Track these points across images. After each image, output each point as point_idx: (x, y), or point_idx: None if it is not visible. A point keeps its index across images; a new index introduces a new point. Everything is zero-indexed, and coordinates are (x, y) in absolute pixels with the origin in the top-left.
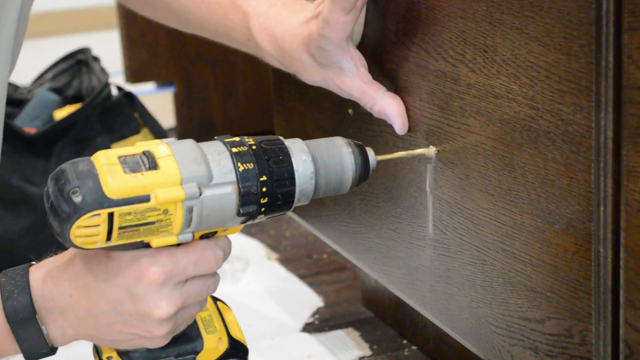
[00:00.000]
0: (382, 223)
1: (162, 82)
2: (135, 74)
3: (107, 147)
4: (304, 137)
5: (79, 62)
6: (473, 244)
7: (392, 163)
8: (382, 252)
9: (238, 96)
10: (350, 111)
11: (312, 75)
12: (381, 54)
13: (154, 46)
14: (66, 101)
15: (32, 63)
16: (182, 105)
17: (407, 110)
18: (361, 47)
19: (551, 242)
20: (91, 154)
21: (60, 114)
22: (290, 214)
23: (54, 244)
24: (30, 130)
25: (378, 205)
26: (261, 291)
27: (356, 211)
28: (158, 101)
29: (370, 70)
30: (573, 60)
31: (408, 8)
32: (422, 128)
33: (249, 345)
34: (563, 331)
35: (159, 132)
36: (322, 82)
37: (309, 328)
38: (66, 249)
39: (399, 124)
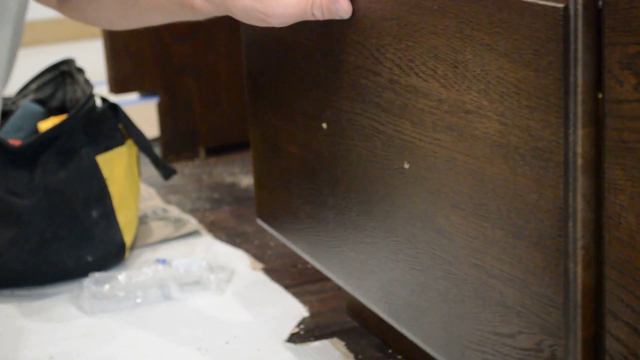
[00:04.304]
0: (356, 237)
1: (146, 92)
2: (119, 84)
3: (92, 158)
4: (277, 152)
5: (63, 73)
6: (445, 258)
7: (366, 177)
8: (356, 266)
9: (222, 106)
10: (324, 125)
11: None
12: (354, 69)
13: (137, 56)
14: (50, 112)
15: (15, 73)
16: (166, 115)
17: (381, 125)
18: (335, 63)
19: (521, 257)
20: (76, 166)
21: (45, 125)
22: (265, 226)
23: (39, 256)
24: (15, 142)
25: (352, 219)
26: (246, 301)
27: (331, 224)
28: (142, 111)
29: (343, 85)
30: (541, 76)
31: (381, 24)
32: (394, 143)
33: (233, 356)
34: (533, 346)
35: (143, 144)
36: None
37: (294, 338)
38: (43, 269)
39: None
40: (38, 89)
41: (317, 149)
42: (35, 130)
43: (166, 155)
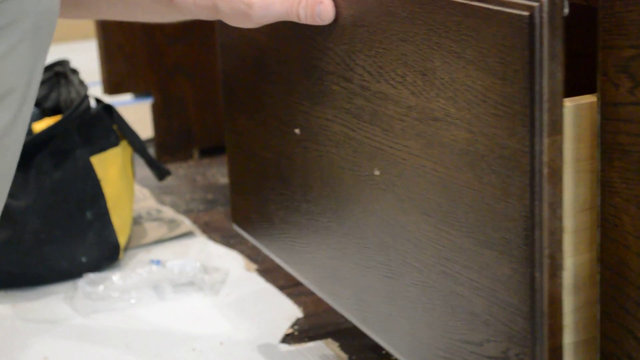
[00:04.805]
0: (328, 243)
1: (140, 93)
2: (113, 85)
3: (87, 159)
4: (252, 157)
5: (58, 74)
6: (415, 265)
7: (338, 183)
8: (328, 272)
9: (216, 107)
10: (297, 131)
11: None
12: (326, 75)
13: (131, 57)
14: (44, 113)
15: None
16: (160, 116)
17: (352, 131)
18: (307, 69)
19: (489, 265)
20: (71, 166)
21: (39, 126)
22: (240, 231)
23: (33, 257)
24: None
25: (324, 225)
26: (240, 302)
27: (304, 230)
28: (136, 112)
29: (315, 91)
30: (507, 84)
31: (352, 30)
32: (365, 149)
33: (227, 357)
34: (500, 354)
35: (137, 144)
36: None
37: (289, 339)
38: (37, 269)
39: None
40: None
41: (290, 155)
42: (30, 131)
43: (160, 156)
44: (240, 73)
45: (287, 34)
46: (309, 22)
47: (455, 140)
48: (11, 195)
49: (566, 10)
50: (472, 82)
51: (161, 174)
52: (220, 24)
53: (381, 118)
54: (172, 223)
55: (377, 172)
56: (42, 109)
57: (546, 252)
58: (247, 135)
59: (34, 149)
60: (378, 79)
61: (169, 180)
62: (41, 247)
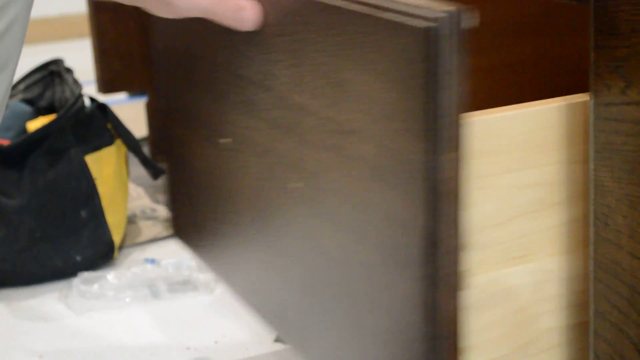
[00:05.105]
0: (255, 255)
1: (135, 92)
2: (107, 84)
3: (81, 158)
4: (186, 166)
5: (52, 73)
6: (330, 281)
7: (261, 195)
8: (255, 285)
9: None
10: (225, 140)
11: None
12: (250, 85)
13: (126, 56)
14: (39, 112)
15: None
16: (154, 115)
17: (273, 142)
18: (233, 78)
19: (392, 284)
20: (65, 166)
21: (34, 125)
22: (180, 241)
23: (28, 256)
24: (3, 141)
25: (251, 237)
26: (235, 300)
27: (232, 242)
28: (131, 110)
29: (240, 100)
30: (410, 99)
31: (274, 40)
32: (285, 161)
33: (222, 355)
34: None
35: (132, 143)
36: None
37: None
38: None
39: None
40: (27, 88)
41: (219, 165)
42: (24, 130)
43: (155, 155)
44: (174, 81)
45: (216, 41)
46: (231, 24)
47: (365, 155)
48: (5, 194)
49: (469, 23)
50: (381, 95)
51: (156, 172)
52: (154, 30)
53: (299, 130)
54: (166, 222)
55: (295, 185)
56: (36, 108)
57: (445, 271)
58: (181, 145)
59: (29, 148)
60: (296, 89)
61: (163, 179)
62: (36, 245)
